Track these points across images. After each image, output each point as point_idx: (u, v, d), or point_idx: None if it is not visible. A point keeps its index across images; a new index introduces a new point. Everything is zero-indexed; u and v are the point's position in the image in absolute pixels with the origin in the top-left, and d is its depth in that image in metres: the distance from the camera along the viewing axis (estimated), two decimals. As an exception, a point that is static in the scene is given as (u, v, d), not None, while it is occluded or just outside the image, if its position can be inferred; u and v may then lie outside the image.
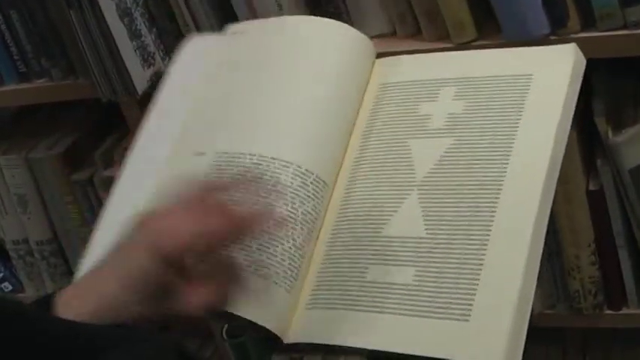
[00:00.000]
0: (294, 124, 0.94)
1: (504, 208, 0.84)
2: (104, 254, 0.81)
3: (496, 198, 0.85)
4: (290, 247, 0.89)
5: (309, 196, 0.90)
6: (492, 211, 0.84)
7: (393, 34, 1.21)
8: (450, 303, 0.81)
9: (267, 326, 0.84)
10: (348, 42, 0.99)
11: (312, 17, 1.03)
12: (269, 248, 0.88)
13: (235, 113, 0.97)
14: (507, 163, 0.86)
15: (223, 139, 0.95)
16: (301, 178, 0.91)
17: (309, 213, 0.90)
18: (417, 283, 0.83)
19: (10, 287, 1.62)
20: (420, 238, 0.85)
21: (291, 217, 0.89)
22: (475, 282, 0.81)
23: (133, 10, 1.24)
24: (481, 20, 1.14)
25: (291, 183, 0.90)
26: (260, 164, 0.91)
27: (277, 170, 0.91)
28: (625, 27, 1.07)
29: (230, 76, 1.01)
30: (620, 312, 1.28)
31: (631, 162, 1.13)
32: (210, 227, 0.78)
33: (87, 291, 0.78)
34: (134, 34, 1.25)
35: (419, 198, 0.88)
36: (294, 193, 0.90)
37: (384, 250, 0.86)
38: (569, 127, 0.88)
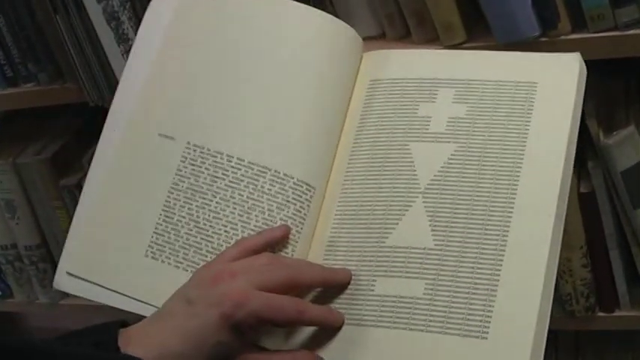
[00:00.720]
0: (271, 122, 0.93)
1: (519, 218, 0.83)
2: (170, 301, 0.83)
3: (510, 208, 0.83)
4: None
5: (288, 201, 0.89)
6: (507, 222, 0.83)
7: (382, 36, 1.20)
8: (466, 319, 0.80)
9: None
10: (331, 32, 0.97)
11: (291, 2, 0.98)
12: None
13: (205, 98, 0.94)
14: (519, 173, 0.85)
15: (196, 129, 0.93)
16: (279, 183, 0.90)
17: (290, 218, 0.89)
18: (428, 297, 0.81)
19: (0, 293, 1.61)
20: (428, 249, 0.84)
21: (267, 225, 0.89)
22: (492, 297, 0.80)
23: (120, 14, 1.23)
24: (471, 22, 1.13)
25: (269, 190, 0.90)
26: (239, 169, 0.91)
27: (254, 177, 0.90)
28: (616, 28, 1.07)
29: (194, 48, 0.97)
30: (613, 314, 1.27)
31: (623, 164, 1.13)
32: (280, 302, 0.80)
33: (149, 337, 0.80)
34: (121, 38, 1.24)
35: (424, 206, 0.86)
36: (271, 200, 0.89)
37: (389, 261, 0.85)
38: (576, 138, 0.87)
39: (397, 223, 0.86)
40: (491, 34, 1.10)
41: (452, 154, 0.88)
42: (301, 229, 0.89)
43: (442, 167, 0.87)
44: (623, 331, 1.34)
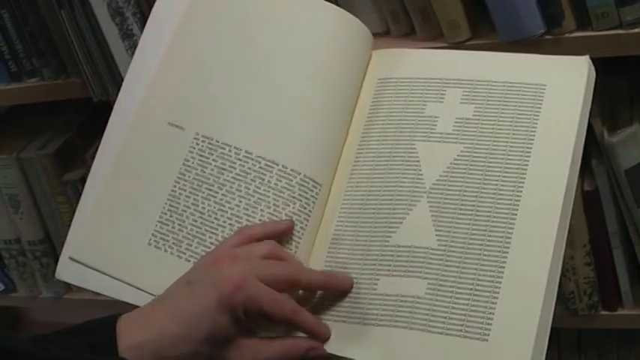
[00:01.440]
0: (280, 117, 0.92)
1: (524, 220, 0.83)
2: (172, 286, 0.83)
3: (514, 210, 0.83)
4: None
5: (294, 197, 0.89)
6: (511, 224, 0.83)
7: (386, 33, 1.20)
8: (468, 320, 0.79)
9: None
10: (342, 27, 0.96)
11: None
12: None
13: (216, 90, 0.94)
14: (525, 174, 0.85)
15: (205, 121, 0.92)
16: (286, 179, 0.90)
17: (295, 214, 0.89)
18: (430, 297, 0.81)
19: (3, 287, 1.62)
20: (431, 248, 0.84)
21: (272, 220, 0.88)
22: (494, 299, 0.80)
23: (124, 10, 1.23)
24: (475, 19, 1.13)
25: (275, 185, 0.89)
26: (246, 162, 0.90)
27: (261, 170, 0.90)
28: (620, 26, 1.06)
29: (207, 40, 0.96)
30: (616, 313, 1.27)
31: (627, 162, 1.13)
32: (278, 296, 0.80)
33: (148, 320, 0.80)
34: (126, 34, 1.24)
35: (429, 206, 0.86)
36: (277, 194, 0.89)
37: (392, 260, 0.85)
38: (583, 139, 0.87)
39: (401, 222, 0.86)
40: (495, 31, 1.10)
41: (458, 155, 0.88)
42: (306, 225, 0.89)
43: (448, 167, 0.87)
44: (625, 330, 1.34)
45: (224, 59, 0.95)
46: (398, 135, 0.91)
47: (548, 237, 0.81)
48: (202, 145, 0.91)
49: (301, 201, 0.89)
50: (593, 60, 0.91)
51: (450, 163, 0.87)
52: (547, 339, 0.79)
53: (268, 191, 0.89)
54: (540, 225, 0.82)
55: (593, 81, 0.90)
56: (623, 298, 1.26)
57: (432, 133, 0.90)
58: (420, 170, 0.88)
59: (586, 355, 1.42)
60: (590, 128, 1.12)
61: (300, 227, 0.89)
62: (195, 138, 0.92)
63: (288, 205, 0.89)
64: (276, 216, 0.89)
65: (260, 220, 0.88)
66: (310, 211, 0.89)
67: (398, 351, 0.81)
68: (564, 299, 1.26)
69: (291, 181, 0.90)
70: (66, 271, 0.91)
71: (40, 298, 1.61)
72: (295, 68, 0.94)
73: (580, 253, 1.22)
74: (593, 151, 1.16)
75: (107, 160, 0.93)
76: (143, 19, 1.27)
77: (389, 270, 0.84)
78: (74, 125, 1.51)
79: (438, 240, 0.84)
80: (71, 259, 0.90)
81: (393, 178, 0.89)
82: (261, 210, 0.89)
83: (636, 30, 1.06)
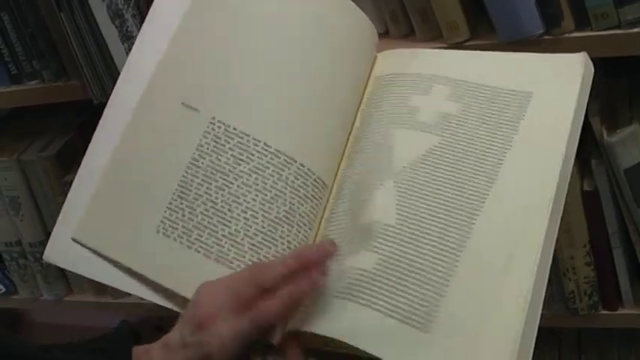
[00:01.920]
0: (300, 115, 0.90)
1: (486, 222, 0.81)
2: (178, 329, 0.81)
3: (477, 211, 0.82)
4: (284, 250, 0.87)
5: (307, 197, 0.88)
6: (471, 224, 0.81)
7: (386, 34, 1.20)
8: (412, 307, 0.78)
9: None
10: (354, 21, 0.95)
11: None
12: (262, 249, 0.86)
13: (236, 77, 0.90)
14: (499, 170, 0.84)
15: (223, 105, 0.89)
16: (303, 177, 0.88)
17: (307, 215, 0.88)
18: (376, 272, 0.80)
19: (4, 289, 1.62)
20: (388, 225, 0.83)
21: (287, 218, 0.87)
22: (442, 292, 0.78)
23: (124, 12, 1.23)
24: (474, 20, 1.13)
25: (293, 182, 0.87)
26: (265, 155, 0.88)
27: (280, 166, 0.88)
28: (619, 26, 1.06)
29: (216, 23, 0.93)
30: (616, 312, 1.27)
31: (626, 162, 1.13)
32: (246, 326, 0.79)
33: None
34: (125, 36, 1.24)
35: (395, 187, 0.85)
36: (293, 192, 0.87)
37: (357, 237, 0.84)
38: (578, 137, 0.86)
39: (369, 202, 0.85)
40: (494, 32, 1.10)
41: (434, 145, 0.87)
42: (311, 227, 0.89)
43: (422, 155, 0.86)
44: (626, 329, 1.34)
45: (239, 45, 0.91)
46: (381, 123, 0.91)
47: (511, 242, 0.79)
48: (218, 131, 0.88)
49: (313, 201, 0.88)
50: (592, 60, 0.91)
51: (425, 151, 0.86)
52: (532, 343, 0.76)
53: (285, 188, 0.87)
54: (504, 231, 0.80)
55: (591, 77, 0.89)
56: (623, 297, 1.26)
57: (411, 121, 0.89)
58: (394, 153, 0.87)
59: (586, 355, 1.42)
60: (589, 128, 1.13)
61: (309, 228, 0.88)
62: (210, 122, 0.88)
63: (302, 205, 0.87)
64: (291, 214, 0.87)
65: (276, 217, 0.86)
66: (317, 213, 0.89)
67: (342, 323, 0.79)
68: (564, 299, 1.26)
69: (307, 180, 0.88)
70: (55, 253, 0.89)
71: (40, 300, 1.61)
72: (315, 63, 0.92)
73: (580, 253, 1.22)
74: (593, 151, 1.16)
75: (112, 137, 0.90)
76: (142, 21, 1.27)
77: (353, 247, 0.83)
78: (74, 126, 1.51)
79: (397, 219, 0.82)
80: (74, 240, 0.87)
81: (369, 161, 0.89)
82: (277, 207, 0.86)
83: (635, 30, 1.06)
